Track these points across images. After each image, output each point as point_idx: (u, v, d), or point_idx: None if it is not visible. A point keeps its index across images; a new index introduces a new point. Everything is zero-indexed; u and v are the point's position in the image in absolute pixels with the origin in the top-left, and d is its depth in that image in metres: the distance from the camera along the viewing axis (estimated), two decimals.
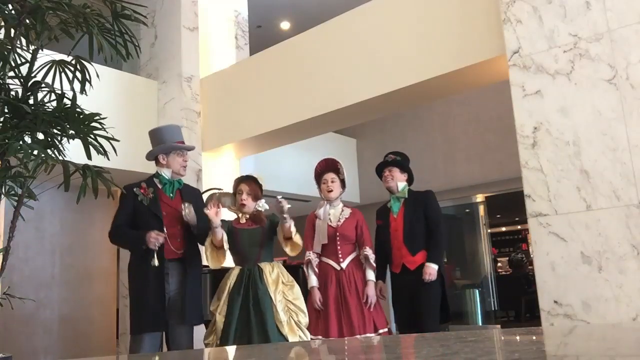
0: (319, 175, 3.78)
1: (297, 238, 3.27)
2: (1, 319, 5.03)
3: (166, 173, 3.40)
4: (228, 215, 3.50)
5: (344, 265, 3.60)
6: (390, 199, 3.80)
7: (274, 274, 3.27)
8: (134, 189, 3.26)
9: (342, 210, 3.71)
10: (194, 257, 3.36)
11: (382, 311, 3.66)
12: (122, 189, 3.18)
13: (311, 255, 3.62)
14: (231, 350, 2.28)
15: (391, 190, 3.77)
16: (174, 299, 3.22)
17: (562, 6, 3.43)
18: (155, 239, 3.11)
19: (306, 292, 3.62)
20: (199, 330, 3.40)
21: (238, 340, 3.07)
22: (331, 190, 3.69)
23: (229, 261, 3.41)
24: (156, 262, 3.09)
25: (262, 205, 3.42)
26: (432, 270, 3.56)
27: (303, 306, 3.28)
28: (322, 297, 3.55)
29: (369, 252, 3.63)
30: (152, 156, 3.42)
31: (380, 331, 3.58)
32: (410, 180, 3.85)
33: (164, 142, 3.40)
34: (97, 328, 6.15)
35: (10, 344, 5.34)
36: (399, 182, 3.76)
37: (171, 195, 3.38)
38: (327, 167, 3.77)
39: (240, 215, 3.41)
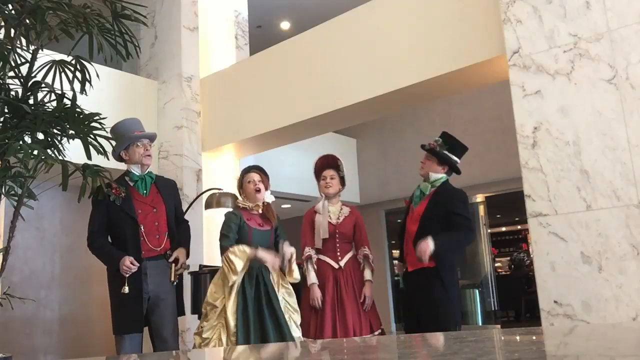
0: (319, 171, 3.77)
1: (295, 274, 3.26)
2: (1, 319, 5.03)
3: (135, 169, 3.32)
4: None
5: (342, 263, 3.59)
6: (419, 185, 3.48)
7: (275, 275, 3.28)
8: (107, 189, 3.13)
9: (342, 209, 3.71)
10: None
11: (377, 312, 3.64)
12: (106, 189, 3.15)
13: (310, 252, 3.60)
14: (231, 350, 2.28)
15: (423, 177, 3.46)
16: (155, 298, 3.19)
17: (562, 6, 3.43)
18: (129, 267, 3.05)
19: (301, 290, 3.62)
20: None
21: (256, 339, 3.04)
22: (330, 187, 3.68)
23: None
24: (127, 290, 3.08)
25: (269, 197, 3.41)
26: (425, 245, 3.04)
27: (297, 306, 3.30)
28: (321, 295, 3.53)
29: (368, 251, 3.63)
30: (116, 157, 3.31)
31: (376, 332, 3.56)
32: (454, 170, 3.48)
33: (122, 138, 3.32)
34: (97, 328, 6.14)
35: (10, 344, 5.34)
36: (433, 172, 3.40)
37: (145, 192, 3.29)
38: (327, 163, 3.75)
39: (252, 206, 3.33)
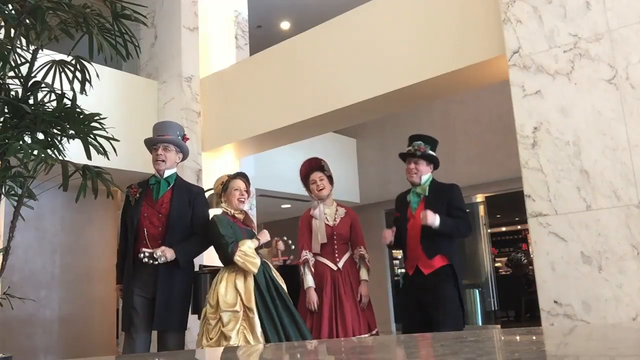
0: (305, 176, 3.77)
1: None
2: (1, 319, 5.03)
3: (156, 172, 3.38)
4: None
5: (340, 264, 3.61)
6: (410, 190, 3.53)
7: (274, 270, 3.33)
8: (126, 189, 3.30)
9: (337, 210, 3.73)
10: (176, 260, 3.22)
11: (373, 312, 3.67)
12: (125, 189, 3.21)
13: (308, 255, 3.62)
14: (233, 350, 2.28)
15: (413, 183, 3.50)
16: (152, 303, 3.20)
17: (562, 6, 3.43)
18: (119, 294, 3.42)
19: (294, 290, 3.63)
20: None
21: (279, 336, 3.05)
22: (322, 189, 3.68)
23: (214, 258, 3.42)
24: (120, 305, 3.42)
25: (246, 205, 3.48)
26: (430, 215, 3.21)
27: None
28: (317, 299, 3.55)
29: (364, 251, 3.66)
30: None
31: (374, 332, 3.58)
32: (437, 166, 3.55)
33: None
34: (97, 328, 6.14)
35: (10, 344, 5.34)
36: (424, 174, 3.46)
37: (157, 196, 3.32)
38: (312, 167, 3.76)
39: (235, 212, 3.35)
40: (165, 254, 3.12)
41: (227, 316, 3.07)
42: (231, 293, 3.12)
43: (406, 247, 3.47)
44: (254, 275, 3.14)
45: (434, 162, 3.50)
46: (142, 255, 3.08)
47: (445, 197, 3.39)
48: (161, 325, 3.20)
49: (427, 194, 3.42)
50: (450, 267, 3.32)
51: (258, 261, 3.13)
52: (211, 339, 3.07)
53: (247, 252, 3.12)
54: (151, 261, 3.09)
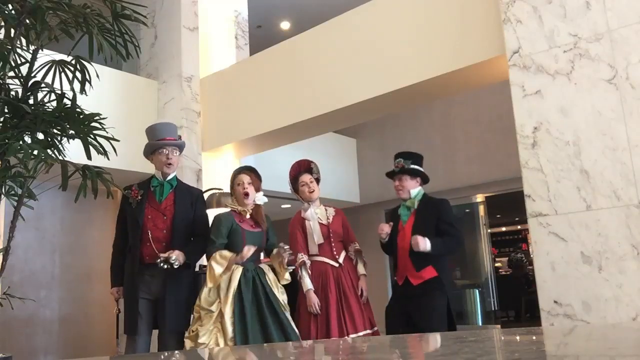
0: (294, 178, 3.76)
1: (286, 275, 3.29)
2: (1, 319, 5.03)
3: (157, 175, 3.38)
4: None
5: (341, 260, 3.62)
6: (400, 204, 3.60)
7: (271, 275, 3.28)
8: (125, 191, 3.26)
9: (327, 210, 3.74)
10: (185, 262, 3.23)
11: (371, 308, 3.68)
12: (123, 190, 3.20)
13: (304, 257, 3.60)
14: (233, 350, 2.28)
15: (403, 199, 3.57)
16: (160, 300, 3.21)
17: (562, 6, 3.43)
18: (114, 296, 3.42)
19: (293, 294, 3.61)
20: None
21: (260, 340, 3.02)
22: (313, 191, 3.68)
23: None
24: (115, 310, 3.45)
25: (261, 198, 3.36)
26: (420, 241, 3.25)
27: (286, 303, 3.31)
28: (319, 300, 3.52)
29: (359, 246, 3.69)
30: (147, 157, 3.42)
31: (376, 328, 3.59)
32: (425, 181, 3.60)
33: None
34: (97, 328, 6.14)
35: (10, 344, 5.34)
36: (412, 189, 3.52)
37: (160, 198, 3.32)
38: (301, 169, 3.76)
39: (241, 209, 3.29)
40: (179, 257, 3.14)
41: (204, 314, 3.10)
42: (213, 293, 3.14)
43: (397, 257, 3.53)
44: (240, 283, 3.12)
45: (419, 175, 3.55)
46: (159, 260, 3.10)
47: (435, 211, 3.45)
48: (172, 326, 3.21)
49: (416, 207, 3.49)
50: (440, 280, 3.36)
51: (217, 276, 3.08)
52: (193, 331, 3.11)
53: (213, 263, 3.08)
54: (166, 266, 3.11)
